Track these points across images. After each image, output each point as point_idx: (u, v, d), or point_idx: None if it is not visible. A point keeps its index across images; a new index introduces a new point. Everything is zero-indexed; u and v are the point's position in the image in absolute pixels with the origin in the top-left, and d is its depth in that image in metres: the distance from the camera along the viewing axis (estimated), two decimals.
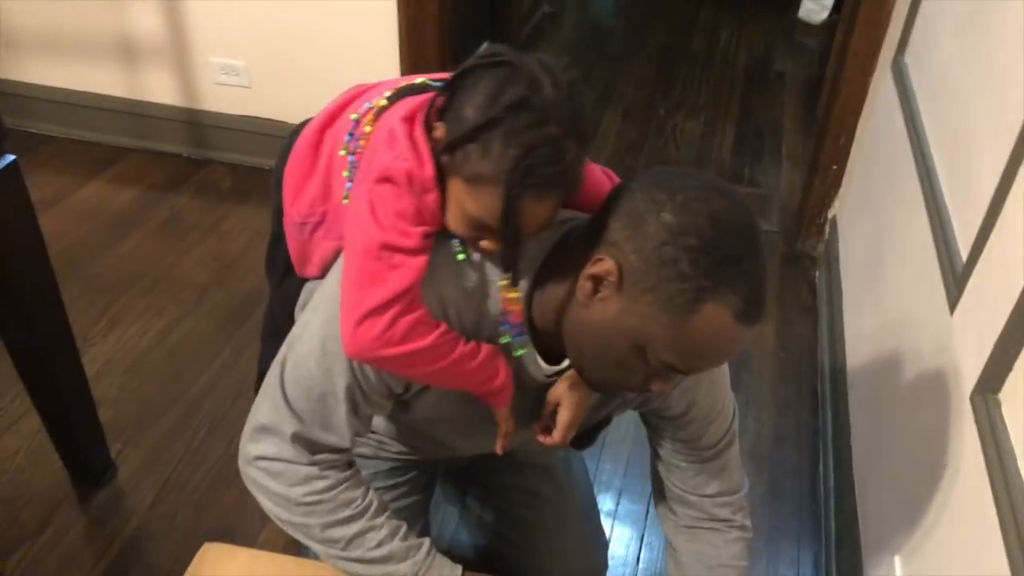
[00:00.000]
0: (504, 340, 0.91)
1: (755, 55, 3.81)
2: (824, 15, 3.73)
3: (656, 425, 1.11)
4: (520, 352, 0.92)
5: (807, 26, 3.90)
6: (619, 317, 0.81)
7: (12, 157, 1.33)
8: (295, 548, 1.13)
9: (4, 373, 1.93)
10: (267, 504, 0.98)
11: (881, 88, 2.13)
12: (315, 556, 1.03)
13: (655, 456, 1.17)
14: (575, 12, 4.27)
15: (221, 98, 2.64)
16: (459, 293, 0.88)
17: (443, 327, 0.88)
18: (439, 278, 0.88)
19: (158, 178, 2.67)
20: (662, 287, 0.78)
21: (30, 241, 1.41)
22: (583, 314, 0.84)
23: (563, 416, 0.97)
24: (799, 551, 1.68)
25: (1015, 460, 0.93)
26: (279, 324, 1.13)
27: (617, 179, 0.97)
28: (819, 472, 1.83)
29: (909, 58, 1.89)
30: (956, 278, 1.22)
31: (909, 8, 1.93)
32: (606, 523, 1.68)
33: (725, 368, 1.09)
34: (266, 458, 0.96)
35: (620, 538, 1.70)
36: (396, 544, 0.98)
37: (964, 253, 1.22)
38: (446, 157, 0.84)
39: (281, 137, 1.09)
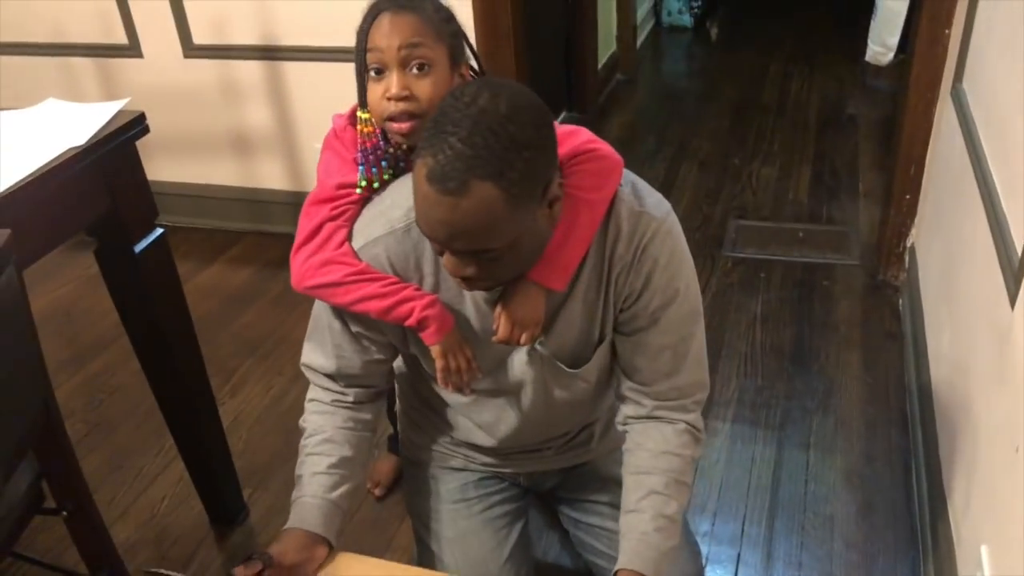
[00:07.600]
0: (361, 180, 1.13)
1: (827, 101, 3.90)
2: (890, 56, 3.80)
3: (625, 324, 1.16)
4: (385, 176, 1.14)
5: (877, 69, 3.97)
6: None
7: (161, 230, 1.57)
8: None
9: (146, 433, 2.18)
10: None
11: (944, 116, 2.20)
12: None
13: (618, 363, 1.21)
14: (648, 77, 4.46)
15: None
16: (387, 233, 1.11)
17: (360, 267, 1.11)
18: (370, 225, 1.12)
19: (271, 256, 2.94)
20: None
21: (176, 302, 1.64)
22: None
23: (497, 310, 1.10)
24: (896, 561, 1.70)
25: None
26: None
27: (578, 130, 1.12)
28: (912, 485, 1.85)
29: (966, 84, 1.97)
30: (1015, 275, 1.29)
31: (962, 38, 2.02)
32: (702, 543, 1.75)
33: (682, 261, 1.13)
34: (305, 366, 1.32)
35: (717, 557, 1.76)
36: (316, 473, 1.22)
37: (1020, 251, 1.29)
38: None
39: None
